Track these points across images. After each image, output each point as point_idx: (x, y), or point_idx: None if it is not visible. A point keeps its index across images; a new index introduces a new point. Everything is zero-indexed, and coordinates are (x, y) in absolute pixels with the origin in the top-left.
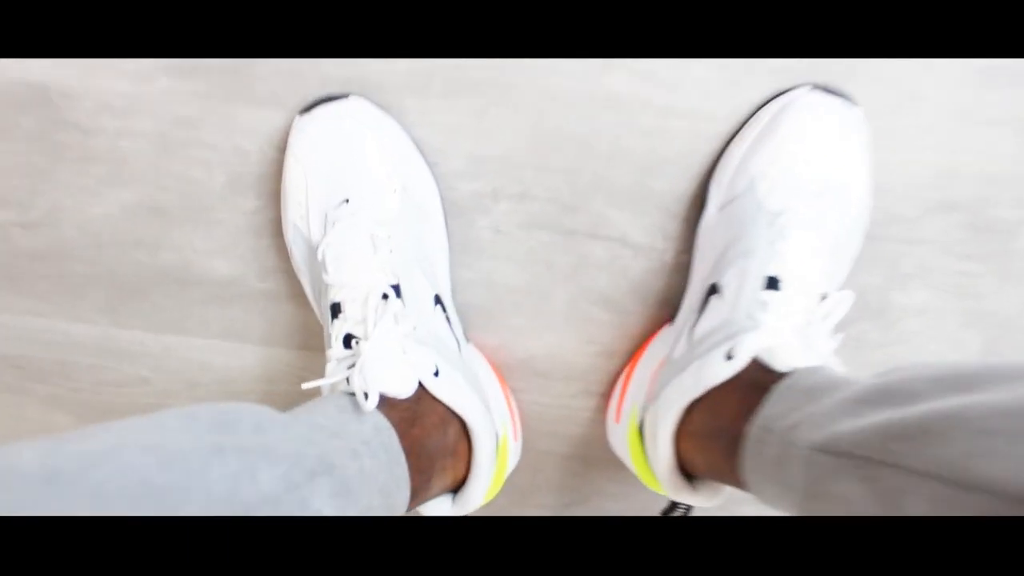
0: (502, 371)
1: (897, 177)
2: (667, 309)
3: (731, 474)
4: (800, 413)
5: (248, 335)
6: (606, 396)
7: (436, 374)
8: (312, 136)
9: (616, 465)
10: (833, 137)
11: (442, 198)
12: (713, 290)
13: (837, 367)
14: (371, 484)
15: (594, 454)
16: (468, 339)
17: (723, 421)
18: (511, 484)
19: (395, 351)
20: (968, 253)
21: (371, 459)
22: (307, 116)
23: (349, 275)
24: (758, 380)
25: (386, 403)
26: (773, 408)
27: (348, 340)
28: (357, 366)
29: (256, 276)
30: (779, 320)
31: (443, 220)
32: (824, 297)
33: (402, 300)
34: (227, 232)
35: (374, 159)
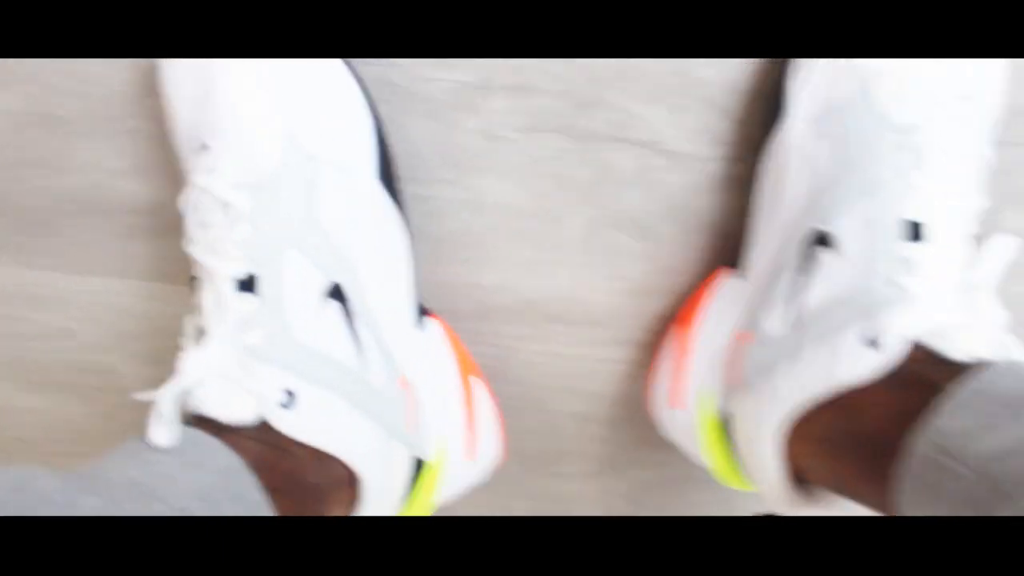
0: (503, 316)
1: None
2: (714, 237)
3: (874, 495)
4: (1008, 436)
5: (178, 274)
6: (644, 361)
7: (286, 405)
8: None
9: (652, 427)
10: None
11: (381, 135)
12: (822, 241)
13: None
14: None
15: (623, 414)
16: (424, 314)
17: (865, 426)
18: (521, 452)
19: (231, 370)
20: None
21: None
22: None
23: (200, 253)
24: (922, 373)
25: (240, 432)
26: (955, 420)
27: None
28: (182, 386)
29: None
30: (931, 284)
31: (377, 167)
32: (978, 243)
33: (258, 297)
34: (140, 146)
35: (249, 94)
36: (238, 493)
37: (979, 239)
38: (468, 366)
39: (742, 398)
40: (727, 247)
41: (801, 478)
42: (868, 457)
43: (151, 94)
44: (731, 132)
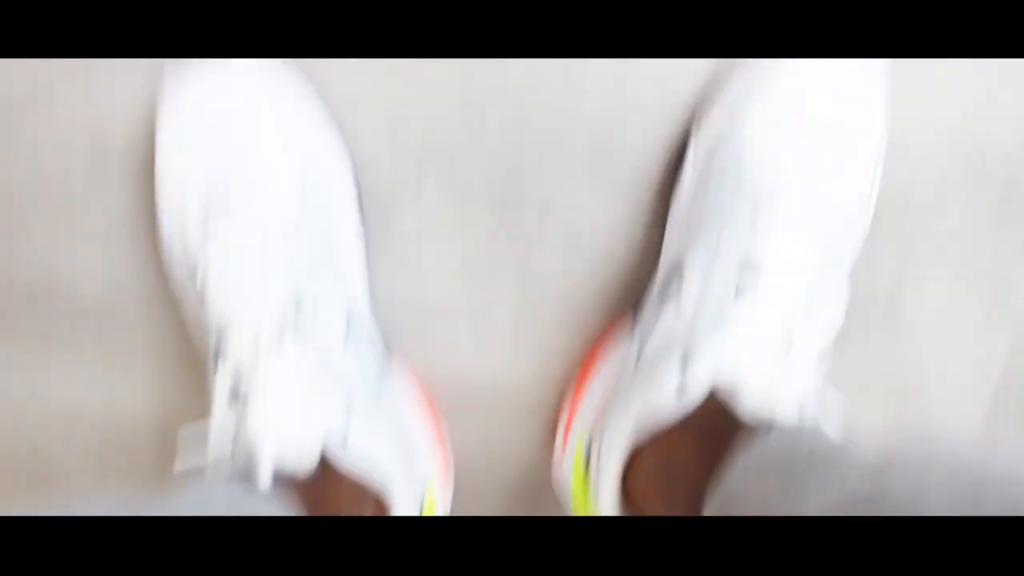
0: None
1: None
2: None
3: None
4: (771, 503)
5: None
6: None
7: (345, 436)
8: (187, 104)
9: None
10: (843, 80)
11: (359, 186)
12: (675, 272)
13: (819, 412)
14: None
15: (552, 495)
16: (390, 352)
17: (676, 472)
18: None
19: (294, 397)
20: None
21: None
22: (182, 73)
23: (236, 296)
24: (716, 427)
25: (286, 482)
26: (737, 484)
27: (235, 394)
28: (242, 435)
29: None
30: (753, 327)
31: (358, 216)
32: (814, 297)
33: (302, 331)
34: (98, 234)
35: (269, 135)
36: None
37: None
38: (425, 391)
39: (599, 432)
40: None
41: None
42: (683, 509)
43: (107, 180)
44: (651, 202)
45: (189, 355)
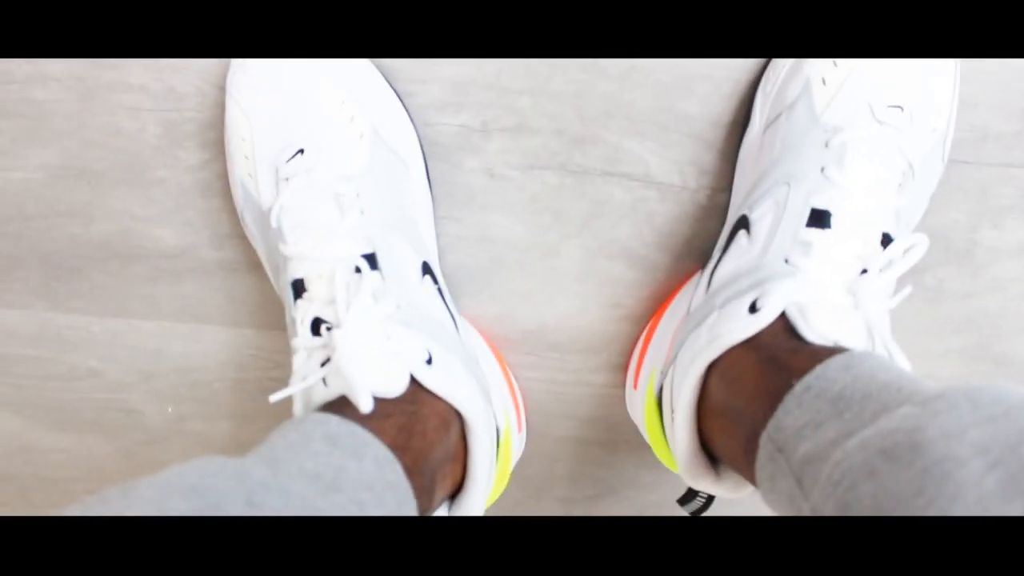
0: (504, 345)
1: (988, 82)
2: (703, 262)
3: (751, 477)
4: (818, 439)
5: (206, 314)
6: (626, 361)
7: (429, 362)
8: (254, 73)
9: (647, 449)
10: None
11: (420, 138)
12: (742, 224)
13: (887, 342)
14: None
15: (621, 438)
16: (459, 312)
17: (741, 401)
18: (524, 477)
19: (376, 338)
20: None
21: (377, 508)
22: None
23: (311, 246)
24: (780, 354)
25: (378, 407)
26: (789, 417)
27: (316, 325)
28: (333, 362)
29: (209, 244)
30: (823, 267)
31: (424, 166)
32: (887, 241)
33: (380, 273)
34: (169, 194)
35: (332, 97)
36: (392, 482)
37: (888, 239)
38: (495, 349)
39: (669, 371)
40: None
41: (713, 455)
42: (745, 439)
43: (178, 146)
44: (716, 163)
45: (260, 301)
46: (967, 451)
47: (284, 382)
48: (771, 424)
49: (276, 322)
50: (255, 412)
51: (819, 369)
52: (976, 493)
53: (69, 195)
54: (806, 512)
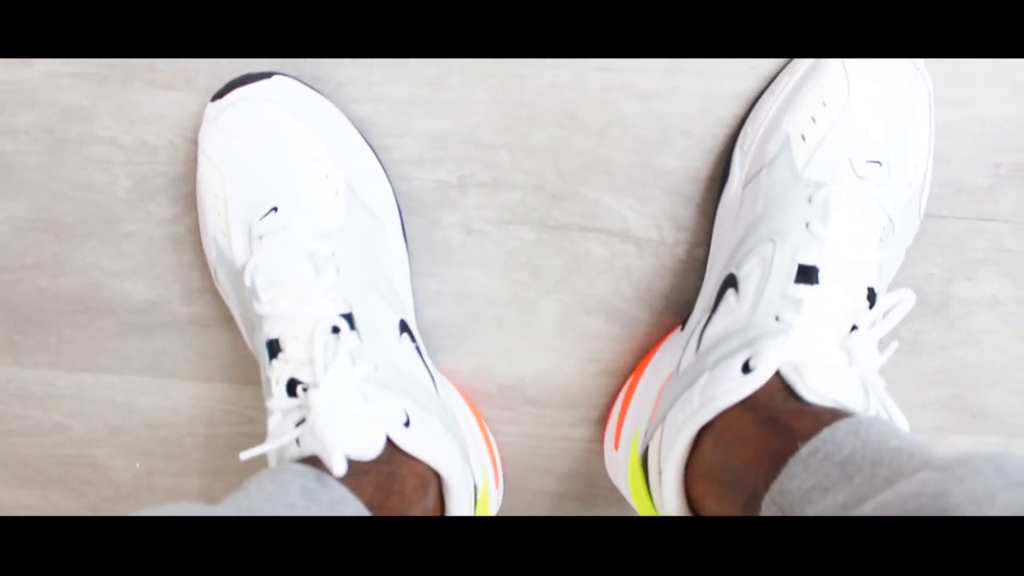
0: (482, 400)
1: (962, 138)
2: (681, 316)
3: None
4: (826, 503)
5: (177, 369)
6: (605, 419)
7: (407, 424)
8: (226, 128)
9: (625, 504)
10: (889, 88)
11: (396, 193)
12: (730, 283)
13: (883, 399)
14: None
15: (599, 492)
16: (436, 368)
17: (739, 464)
18: None
19: (354, 400)
20: None
21: None
22: (220, 103)
23: (287, 305)
24: (780, 416)
25: (353, 468)
26: (795, 478)
27: (292, 386)
28: (308, 423)
29: (180, 299)
30: (815, 324)
31: (400, 222)
32: (872, 296)
33: (357, 333)
34: (140, 247)
35: (307, 152)
36: None
37: (872, 293)
38: (472, 405)
39: (655, 434)
40: (687, 318)
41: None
42: (743, 504)
43: (150, 199)
44: (694, 218)
45: (232, 356)
46: (999, 516)
47: (256, 437)
48: (774, 487)
49: (248, 377)
50: (226, 468)
51: (826, 432)
52: None
53: (37, 248)
54: None
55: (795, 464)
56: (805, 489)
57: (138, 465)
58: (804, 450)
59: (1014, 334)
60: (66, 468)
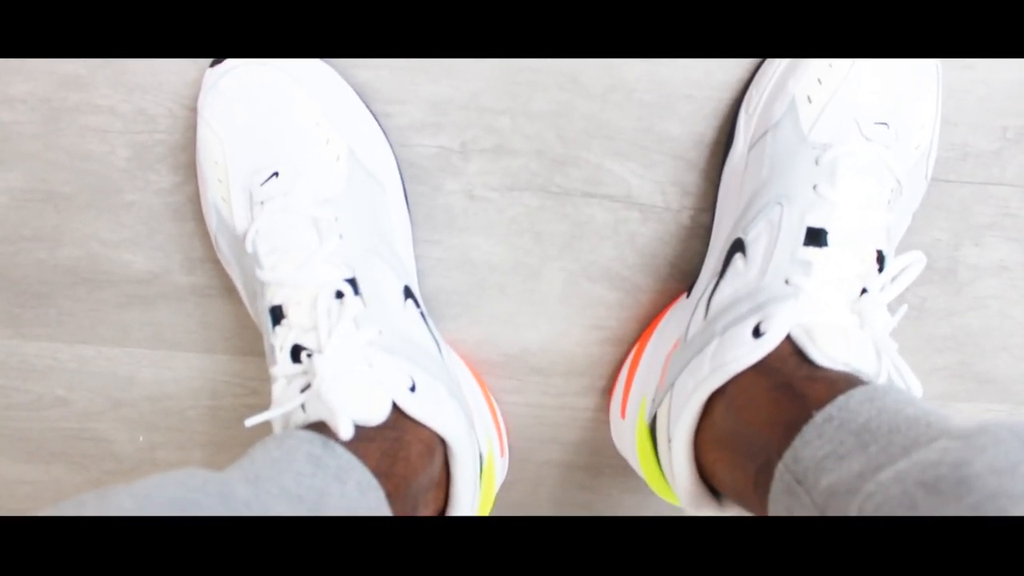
0: (486, 369)
1: (968, 101)
2: (686, 283)
3: (761, 510)
4: (842, 471)
5: (179, 341)
6: (610, 388)
7: (412, 389)
8: (225, 93)
9: (631, 473)
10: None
11: (398, 160)
12: (737, 247)
13: (896, 361)
14: None
15: (604, 462)
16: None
17: (751, 431)
18: (507, 503)
19: (359, 365)
20: None
21: None
22: (219, 68)
23: (290, 271)
24: (794, 381)
25: (359, 434)
26: (809, 446)
27: (296, 352)
28: (314, 388)
29: (181, 269)
30: (825, 287)
31: (402, 189)
32: (881, 258)
33: (361, 298)
34: (139, 217)
35: (308, 117)
36: (374, 508)
37: (881, 255)
38: (476, 374)
39: (665, 401)
40: (692, 284)
41: (713, 487)
42: (755, 471)
43: (149, 168)
44: (698, 183)
45: (235, 327)
46: (1021, 487)
47: (260, 409)
48: (788, 455)
49: (251, 348)
50: (229, 440)
51: (841, 400)
52: None
53: (36, 219)
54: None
55: (809, 432)
56: (819, 457)
57: (141, 438)
58: (819, 417)
59: (1021, 300)
60: (68, 442)
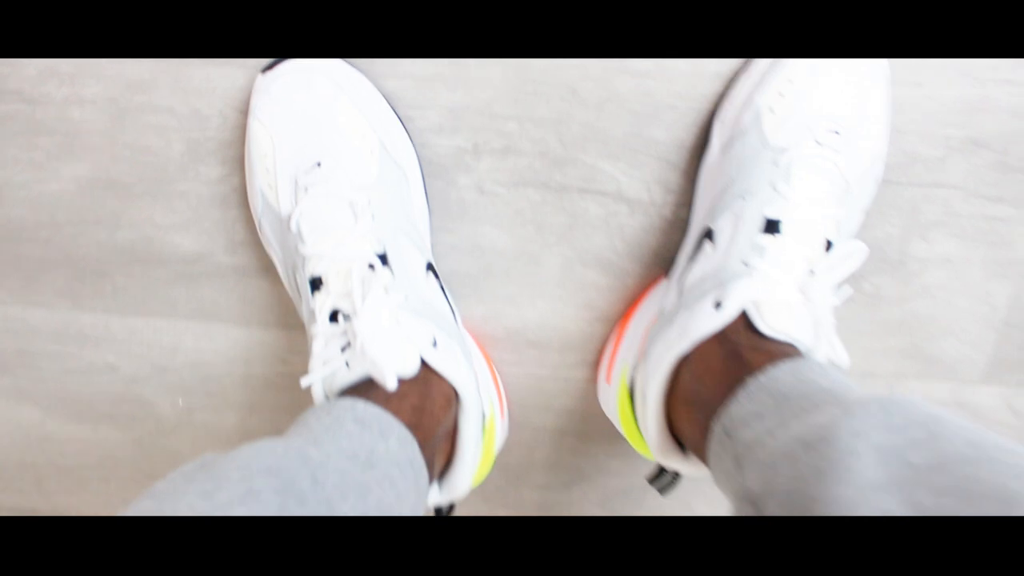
0: (491, 343)
1: (916, 113)
2: (667, 268)
3: (704, 457)
4: (758, 427)
5: (219, 314)
6: (598, 358)
7: (435, 345)
8: (276, 95)
9: (618, 439)
10: (849, 70)
11: (419, 157)
12: (707, 235)
13: (829, 335)
14: (404, 509)
15: (593, 428)
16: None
17: (706, 391)
18: (505, 464)
19: (389, 324)
20: (997, 195)
21: (403, 481)
22: (269, 74)
23: (329, 246)
24: (741, 350)
25: (395, 394)
26: (740, 406)
27: (334, 315)
28: (355, 347)
29: (224, 250)
30: (776, 268)
31: (422, 182)
32: (830, 247)
33: (390, 268)
34: (190, 204)
35: (347, 117)
36: (411, 458)
37: (831, 245)
38: (481, 346)
39: (642, 366)
40: (671, 268)
41: (680, 441)
42: (704, 424)
43: (200, 162)
44: (679, 181)
45: (270, 303)
46: (865, 447)
47: (289, 376)
48: (723, 412)
49: (283, 322)
50: (260, 404)
51: (770, 369)
52: (862, 481)
53: (98, 205)
54: (738, 485)
55: (741, 394)
56: (744, 415)
57: (180, 402)
58: (751, 382)
59: (964, 290)
60: (115, 404)
